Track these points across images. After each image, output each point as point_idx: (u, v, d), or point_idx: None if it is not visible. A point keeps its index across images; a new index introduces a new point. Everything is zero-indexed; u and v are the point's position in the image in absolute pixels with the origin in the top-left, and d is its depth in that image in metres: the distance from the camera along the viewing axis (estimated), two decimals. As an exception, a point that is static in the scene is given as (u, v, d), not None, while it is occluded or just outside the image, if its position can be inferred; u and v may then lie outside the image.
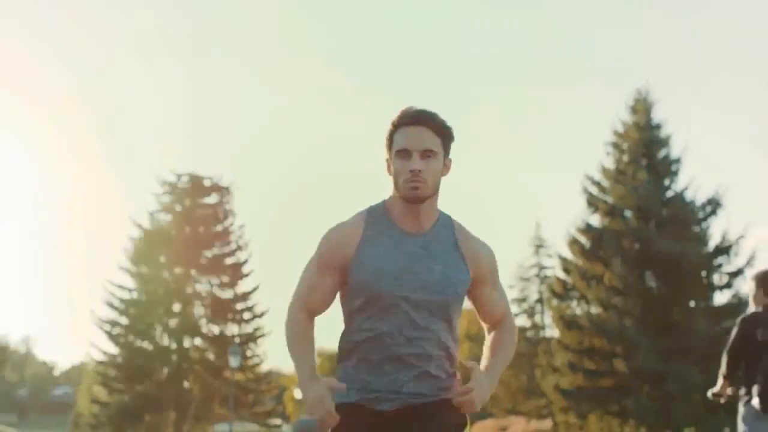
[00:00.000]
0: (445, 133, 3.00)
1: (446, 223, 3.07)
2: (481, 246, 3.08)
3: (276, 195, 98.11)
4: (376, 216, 3.04)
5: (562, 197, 62.67)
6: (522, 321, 41.49)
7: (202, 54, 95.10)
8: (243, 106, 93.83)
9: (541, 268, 42.47)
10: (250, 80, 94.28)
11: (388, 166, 3.03)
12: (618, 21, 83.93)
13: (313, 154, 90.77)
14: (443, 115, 3.03)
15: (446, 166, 3.03)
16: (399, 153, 2.96)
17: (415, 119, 2.97)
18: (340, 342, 3.09)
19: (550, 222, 73.43)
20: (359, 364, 3.02)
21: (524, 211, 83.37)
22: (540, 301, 41.81)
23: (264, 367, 38.32)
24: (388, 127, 3.04)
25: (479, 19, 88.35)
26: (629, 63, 76.27)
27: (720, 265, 28.74)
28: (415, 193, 2.94)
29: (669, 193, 29.25)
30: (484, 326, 3.21)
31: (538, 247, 42.43)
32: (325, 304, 3.09)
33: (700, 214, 28.82)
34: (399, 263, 2.96)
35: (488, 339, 3.20)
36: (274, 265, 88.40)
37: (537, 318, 42.43)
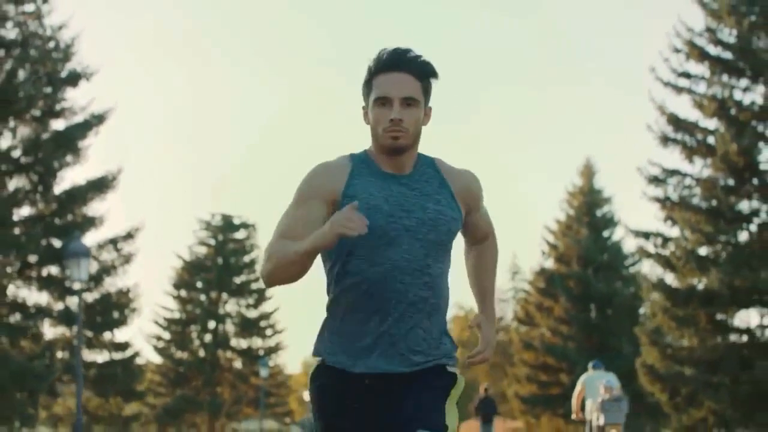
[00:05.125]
0: (427, 78, 2.97)
1: (427, 161, 3.04)
2: (469, 177, 3.08)
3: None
4: (359, 158, 3.01)
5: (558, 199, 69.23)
6: (501, 337, 52.19)
7: (202, 57, 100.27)
8: (243, 112, 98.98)
9: (517, 291, 53.28)
10: (250, 84, 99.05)
11: (365, 115, 2.98)
12: (618, 22, 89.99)
13: (323, 139, 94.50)
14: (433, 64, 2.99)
15: (427, 115, 2.98)
16: (377, 101, 2.91)
17: (395, 64, 2.92)
18: (328, 295, 3.01)
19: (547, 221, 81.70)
20: (345, 316, 2.94)
21: (524, 211, 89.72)
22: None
23: (282, 376, 49.10)
24: (365, 72, 2.98)
25: (478, 21, 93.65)
26: (629, 64, 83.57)
27: (644, 301, 39.47)
28: (395, 143, 2.89)
29: (608, 243, 39.97)
30: (465, 241, 3.22)
31: (515, 273, 53.31)
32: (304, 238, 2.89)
33: (629, 261, 39.62)
34: (391, 200, 2.92)
35: (471, 256, 3.25)
36: (292, 290, 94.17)
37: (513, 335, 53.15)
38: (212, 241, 47.11)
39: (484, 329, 3.15)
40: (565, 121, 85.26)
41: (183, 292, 45.95)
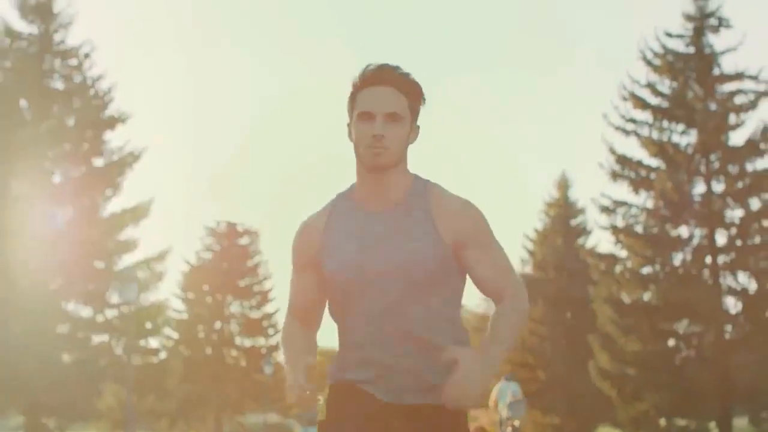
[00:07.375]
0: (412, 93, 2.92)
1: (419, 190, 2.98)
2: (459, 206, 2.97)
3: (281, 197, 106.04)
4: (341, 200, 3.01)
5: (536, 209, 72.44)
6: (488, 334, 57.46)
7: (202, 50, 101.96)
8: (246, 97, 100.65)
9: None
10: (257, 71, 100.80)
11: (350, 132, 2.95)
12: (606, 3, 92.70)
13: (320, 152, 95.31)
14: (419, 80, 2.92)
15: (414, 132, 2.95)
16: (361, 116, 2.89)
17: (379, 78, 2.90)
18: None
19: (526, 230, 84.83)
20: (348, 358, 3.01)
21: (516, 195, 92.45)
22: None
23: (283, 373, 53.69)
24: (349, 87, 2.95)
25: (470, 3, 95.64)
26: (618, 46, 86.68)
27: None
28: (376, 160, 2.87)
29: (582, 250, 45.26)
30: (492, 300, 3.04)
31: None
32: (309, 308, 3.09)
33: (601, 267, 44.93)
34: (363, 249, 2.92)
35: (490, 320, 3.05)
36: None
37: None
38: (217, 247, 51.75)
39: (463, 363, 2.75)
40: (541, 138, 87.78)
41: (190, 295, 49.85)
